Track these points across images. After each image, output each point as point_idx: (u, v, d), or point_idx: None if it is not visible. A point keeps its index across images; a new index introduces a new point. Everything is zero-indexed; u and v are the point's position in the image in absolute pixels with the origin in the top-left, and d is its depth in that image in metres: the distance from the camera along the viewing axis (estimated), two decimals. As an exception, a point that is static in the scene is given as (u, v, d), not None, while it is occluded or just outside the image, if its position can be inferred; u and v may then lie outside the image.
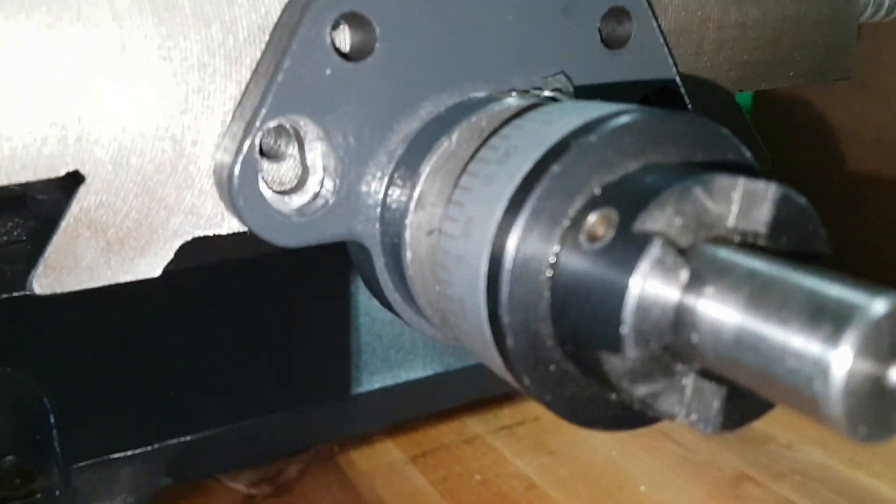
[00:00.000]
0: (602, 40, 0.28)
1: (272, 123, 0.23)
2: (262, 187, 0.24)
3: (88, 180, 0.23)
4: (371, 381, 0.73)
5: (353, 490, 0.68)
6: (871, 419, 0.15)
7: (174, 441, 0.67)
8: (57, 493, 0.63)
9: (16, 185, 0.22)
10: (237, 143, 0.23)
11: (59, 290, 0.23)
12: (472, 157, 0.22)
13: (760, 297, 0.16)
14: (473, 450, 0.74)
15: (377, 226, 0.25)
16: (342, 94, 0.24)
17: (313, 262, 0.62)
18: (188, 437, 0.67)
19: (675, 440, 0.73)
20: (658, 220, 0.18)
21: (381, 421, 0.75)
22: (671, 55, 0.29)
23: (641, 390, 0.18)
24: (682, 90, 0.29)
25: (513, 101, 0.24)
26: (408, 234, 0.23)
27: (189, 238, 0.25)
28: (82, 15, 0.22)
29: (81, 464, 0.64)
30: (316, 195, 0.24)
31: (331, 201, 0.24)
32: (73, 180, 0.23)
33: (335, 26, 0.24)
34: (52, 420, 0.65)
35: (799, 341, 0.15)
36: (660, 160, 0.20)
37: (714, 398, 0.19)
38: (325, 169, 0.25)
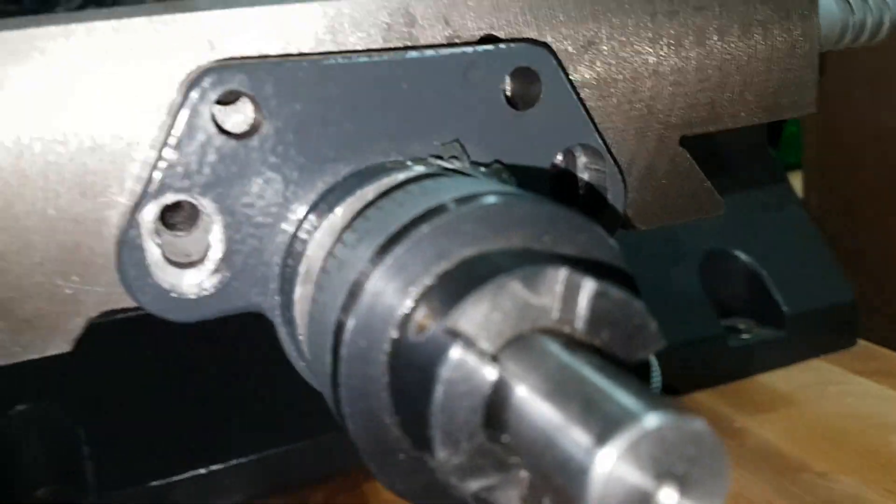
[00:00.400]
0: (508, 102, 0.27)
1: (159, 203, 0.24)
2: (155, 266, 0.24)
3: (-7, 265, 0.24)
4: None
5: (377, 520, 0.69)
6: None
7: (203, 470, 0.69)
8: (90, 520, 0.66)
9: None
10: (127, 227, 0.24)
11: (-31, 370, 0.24)
12: (338, 239, 0.22)
13: (555, 400, 0.16)
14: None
15: (277, 298, 0.25)
16: (231, 171, 0.24)
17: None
18: (217, 466, 0.69)
19: (704, 469, 0.71)
20: (472, 316, 0.17)
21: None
22: (587, 112, 0.28)
23: (473, 486, 0.18)
24: (603, 148, 0.28)
25: (397, 175, 0.24)
26: (296, 310, 0.24)
27: (97, 314, 0.26)
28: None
29: (115, 493, 0.66)
30: (215, 270, 0.25)
31: (228, 276, 0.25)
32: (-21, 265, 0.24)
33: (221, 103, 0.25)
34: (84, 451, 0.67)
35: (572, 442, 0.15)
36: (502, 246, 0.20)
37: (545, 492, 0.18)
38: (223, 243, 0.25)
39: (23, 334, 0.25)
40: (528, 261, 0.18)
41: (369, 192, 0.24)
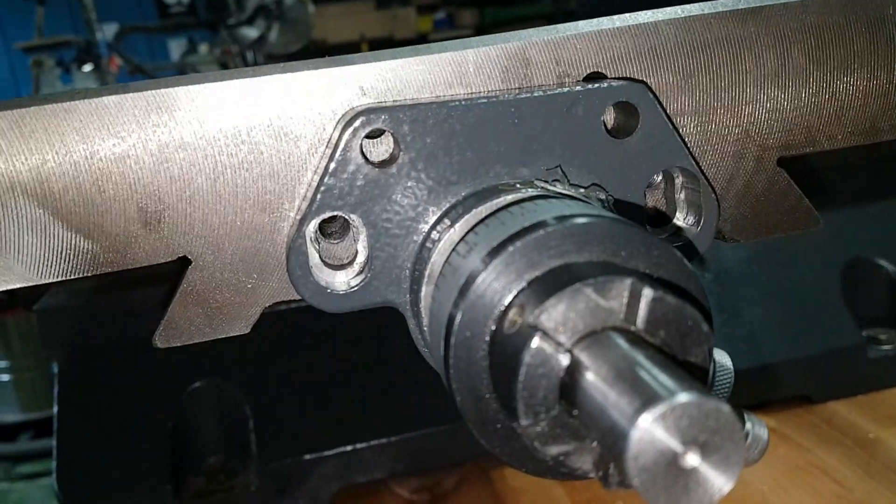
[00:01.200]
0: (608, 131, 0.31)
1: (319, 219, 0.30)
2: (314, 267, 0.31)
3: (194, 263, 0.31)
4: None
5: (500, 503, 0.74)
6: (662, 485, 0.19)
7: (349, 447, 0.76)
8: (253, 488, 0.75)
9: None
10: (293, 234, 0.30)
11: (175, 344, 0.31)
12: (453, 249, 0.28)
13: (612, 381, 0.20)
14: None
15: (408, 296, 0.31)
16: (374, 194, 0.30)
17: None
18: (362, 445, 0.76)
19: (834, 477, 0.71)
20: (551, 315, 0.22)
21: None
22: (681, 138, 0.32)
23: (553, 451, 0.23)
24: (697, 170, 0.32)
25: (505, 197, 0.29)
26: (422, 304, 0.29)
27: (269, 303, 0.32)
28: (184, 143, 0.30)
29: (274, 464, 0.75)
30: (359, 273, 0.31)
31: (369, 276, 0.31)
32: (183, 263, 0.31)
33: (368, 138, 0.30)
34: (251, 425, 0.77)
35: (620, 411, 0.19)
36: (583, 259, 0.24)
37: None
38: (367, 252, 0.31)
39: (214, 318, 0.32)
40: (602, 271, 0.23)
41: (482, 211, 0.29)
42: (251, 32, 3.15)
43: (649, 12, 0.33)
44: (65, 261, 0.29)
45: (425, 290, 0.29)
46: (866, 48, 0.35)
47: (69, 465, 0.73)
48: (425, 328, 0.29)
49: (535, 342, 0.22)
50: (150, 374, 0.77)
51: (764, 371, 0.82)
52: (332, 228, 0.32)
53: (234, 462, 0.78)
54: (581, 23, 0.33)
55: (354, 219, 0.31)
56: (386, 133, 0.31)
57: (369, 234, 0.31)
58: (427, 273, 0.29)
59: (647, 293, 0.22)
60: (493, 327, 0.24)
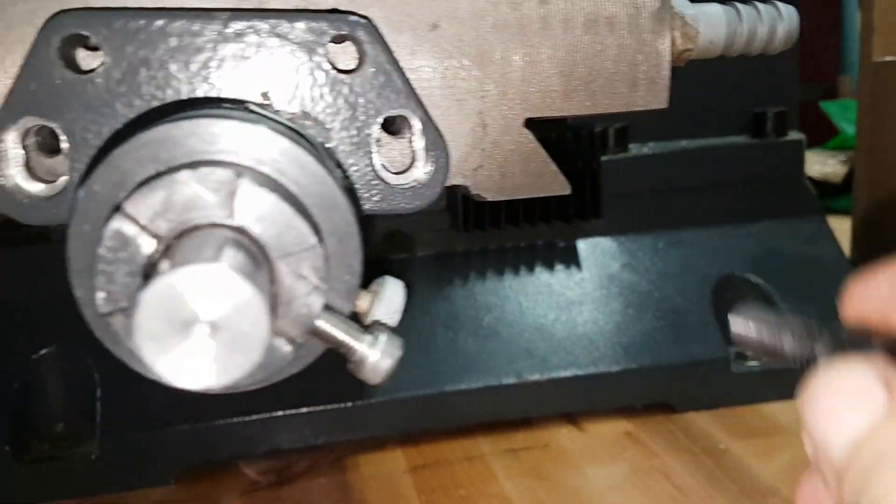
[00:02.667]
0: (332, 65, 0.31)
1: (12, 120, 0.30)
2: (13, 173, 0.30)
3: None
4: (383, 389, 0.77)
5: (346, 491, 0.73)
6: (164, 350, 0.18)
7: (201, 425, 0.75)
8: (93, 457, 0.73)
9: None
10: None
11: None
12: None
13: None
14: (471, 467, 0.76)
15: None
16: (71, 101, 0.30)
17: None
18: (213, 422, 0.75)
19: (674, 482, 0.71)
20: (147, 200, 0.22)
21: (388, 429, 0.79)
22: (409, 86, 0.32)
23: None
24: (425, 118, 0.32)
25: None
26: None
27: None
28: None
29: (118, 435, 0.73)
30: (51, 185, 0.30)
31: (64, 190, 0.30)
32: None
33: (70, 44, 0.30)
34: (98, 394, 0.75)
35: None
36: (213, 158, 0.24)
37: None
38: (66, 163, 0.30)
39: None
40: (209, 164, 0.22)
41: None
42: None
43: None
44: None
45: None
46: (616, 10, 0.35)
47: None
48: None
49: (114, 223, 0.21)
50: (-1, 336, 0.75)
51: (627, 376, 0.82)
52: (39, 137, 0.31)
53: (78, 430, 0.76)
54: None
55: (55, 128, 0.30)
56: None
57: (70, 147, 0.30)
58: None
59: (245, 185, 0.22)
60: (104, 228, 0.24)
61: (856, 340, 0.23)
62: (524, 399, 0.81)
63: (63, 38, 0.29)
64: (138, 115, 0.29)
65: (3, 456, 0.72)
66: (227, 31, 0.30)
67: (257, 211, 0.22)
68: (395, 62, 0.32)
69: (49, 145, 0.31)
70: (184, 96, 0.30)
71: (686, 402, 0.83)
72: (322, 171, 0.25)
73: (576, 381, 0.81)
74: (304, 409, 0.77)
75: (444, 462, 0.77)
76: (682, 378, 0.82)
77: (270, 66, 0.31)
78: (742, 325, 0.26)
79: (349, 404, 0.77)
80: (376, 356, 0.25)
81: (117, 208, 0.23)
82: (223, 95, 0.30)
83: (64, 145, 0.30)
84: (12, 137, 0.30)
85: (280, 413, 0.76)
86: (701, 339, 0.85)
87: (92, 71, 0.30)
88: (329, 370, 0.73)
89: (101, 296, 0.22)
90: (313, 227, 0.23)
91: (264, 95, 0.30)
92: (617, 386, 0.82)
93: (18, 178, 0.30)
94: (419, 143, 0.34)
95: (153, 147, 0.23)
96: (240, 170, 0.22)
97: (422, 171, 0.34)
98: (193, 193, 0.22)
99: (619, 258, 0.91)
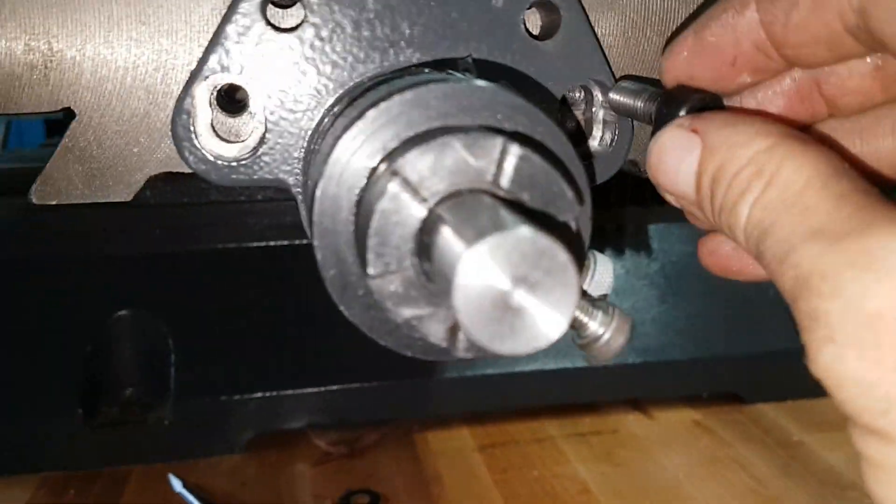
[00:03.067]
0: (527, 31, 0.30)
1: (210, 83, 0.29)
2: (203, 136, 0.29)
3: (79, 117, 0.29)
4: (455, 368, 0.77)
5: (419, 465, 0.73)
6: (490, 326, 0.17)
7: (273, 394, 0.75)
8: (166, 422, 0.73)
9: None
10: (185, 98, 0.29)
11: (50, 202, 0.30)
12: (333, 123, 0.26)
13: (462, 225, 0.19)
14: (541, 449, 0.76)
15: (300, 173, 0.29)
16: (273, 61, 0.29)
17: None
18: (285, 392, 0.75)
19: (750, 472, 0.71)
20: (414, 165, 0.21)
21: (458, 408, 0.79)
22: (603, 54, 0.31)
23: (406, 313, 0.21)
24: (610, 81, 0.31)
25: (414, 77, 0.28)
26: (314, 175, 0.28)
27: (155, 172, 0.31)
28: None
29: (191, 401, 0.73)
30: (253, 147, 0.30)
31: (262, 152, 0.29)
32: (69, 116, 0.29)
33: (276, 5, 0.29)
34: (172, 360, 0.75)
35: (458, 246, 0.18)
36: (460, 123, 0.23)
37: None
38: (261, 124, 0.29)
39: (95, 180, 0.30)
40: (476, 130, 0.21)
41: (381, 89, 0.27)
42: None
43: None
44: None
45: (317, 165, 0.27)
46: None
47: (-23, 381, 0.71)
48: (311, 202, 0.28)
49: (393, 186, 0.21)
50: (75, 297, 0.75)
51: (697, 364, 0.81)
52: (223, 96, 0.31)
53: (150, 396, 0.76)
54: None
55: (250, 87, 0.29)
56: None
57: (265, 106, 0.29)
58: (321, 146, 0.28)
59: (515, 150, 0.21)
60: (362, 185, 0.23)
61: (676, 97, 0.28)
62: (592, 383, 0.80)
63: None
64: (355, 78, 0.28)
65: (75, 418, 0.71)
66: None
67: (527, 177, 0.21)
68: (591, 29, 0.31)
69: (229, 105, 0.30)
70: (390, 59, 0.29)
71: (755, 393, 0.83)
72: (564, 137, 0.24)
73: (645, 367, 0.81)
74: (375, 383, 0.77)
75: (513, 443, 0.77)
76: (752, 369, 0.82)
77: (473, 31, 0.30)
78: (615, 92, 0.31)
79: (420, 380, 0.77)
80: (609, 334, 0.24)
81: (374, 171, 0.22)
82: (430, 58, 0.29)
83: (256, 105, 0.29)
84: (201, 95, 0.29)
85: (353, 385, 0.76)
86: (772, 330, 0.84)
87: (292, 29, 0.29)
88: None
89: (372, 257, 0.21)
90: (577, 194, 0.22)
91: (466, 61, 0.29)
92: (686, 374, 0.82)
93: (205, 136, 0.29)
94: (600, 113, 0.33)
95: (407, 110, 0.22)
96: (506, 135, 0.21)
97: (600, 142, 0.33)
98: (461, 158, 0.21)
99: (690, 245, 0.89)
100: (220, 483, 0.69)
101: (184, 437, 0.74)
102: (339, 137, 0.23)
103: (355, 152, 0.23)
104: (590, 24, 0.31)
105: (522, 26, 0.30)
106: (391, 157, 0.22)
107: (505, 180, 0.21)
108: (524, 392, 0.80)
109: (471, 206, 0.20)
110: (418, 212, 0.21)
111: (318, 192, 0.23)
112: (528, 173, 0.21)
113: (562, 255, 0.18)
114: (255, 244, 0.78)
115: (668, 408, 0.82)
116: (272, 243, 0.78)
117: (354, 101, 0.26)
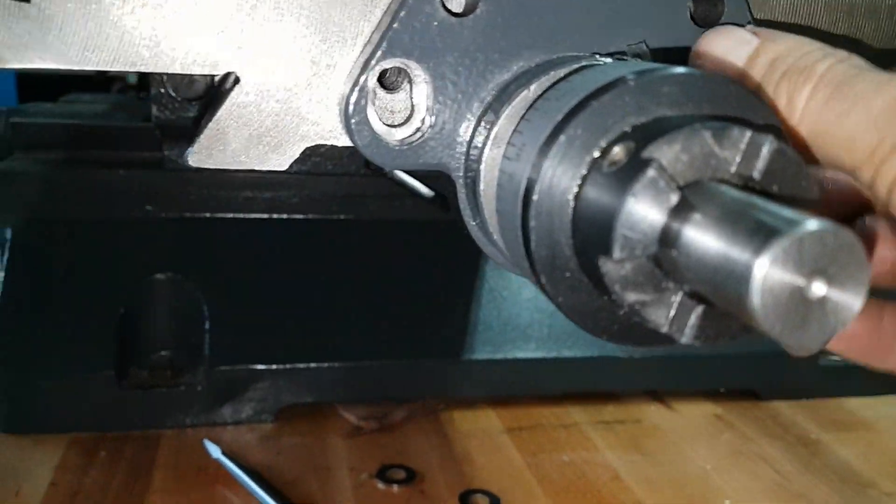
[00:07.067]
0: (692, 18, 0.31)
1: (385, 64, 0.29)
2: (372, 116, 0.29)
3: (243, 82, 0.29)
4: (483, 350, 0.78)
5: (449, 444, 0.73)
6: (790, 322, 0.18)
7: (305, 365, 0.75)
8: (199, 388, 0.73)
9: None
10: (355, 77, 0.29)
11: (207, 166, 0.30)
12: (540, 96, 0.26)
13: (725, 221, 0.20)
14: (568, 434, 0.77)
15: (462, 161, 0.30)
16: (446, 45, 0.29)
17: (451, 232, 0.68)
18: (315, 364, 0.75)
19: (774, 467, 0.73)
20: (665, 152, 0.21)
21: (484, 390, 0.79)
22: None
23: (631, 297, 0.22)
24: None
25: (587, 58, 0.28)
26: (482, 168, 0.28)
27: (313, 144, 0.31)
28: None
29: (224, 368, 0.73)
30: (417, 129, 0.30)
31: (427, 136, 0.29)
32: (232, 81, 0.29)
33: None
34: (206, 326, 0.74)
35: (737, 250, 0.19)
36: (693, 112, 0.23)
37: (692, 313, 0.22)
38: (427, 108, 0.30)
39: (253, 146, 0.30)
40: (718, 120, 0.22)
41: (557, 74, 0.28)
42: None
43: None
44: (116, 52, 0.27)
45: (490, 153, 0.28)
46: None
47: (10, 335, 0.70)
48: (481, 192, 0.28)
49: (651, 172, 0.21)
50: (108, 257, 0.74)
51: (716, 360, 0.83)
52: (391, 78, 0.31)
53: (183, 360, 0.75)
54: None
55: (419, 70, 0.29)
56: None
57: (434, 88, 0.29)
58: (493, 134, 0.28)
59: (769, 144, 0.22)
60: (585, 170, 0.23)
61: None
62: (614, 373, 0.81)
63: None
64: (520, 65, 0.28)
65: (108, 379, 0.71)
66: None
67: (779, 170, 0.22)
68: (752, 19, 0.31)
69: (396, 88, 0.30)
70: (558, 46, 0.29)
71: (771, 391, 0.85)
72: (784, 133, 0.24)
73: (665, 360, 0.82)
74: (405, 361, 0.77)
75: (540, 427, 0.78)
76: (770, 367, 0.84)
77: (638, 18, 0.30)
78: None
79: (449, 361, 0.77)
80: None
81: (603, 157, 0.23)
82: (597, 46, 0.29)
83: (423, 89, 0.30)
84: (373, 76, 0.29)
85: (385, 362, 0.76)
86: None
87: (465, 14, 0.29)
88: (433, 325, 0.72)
89: (619, 242, 0.21)
90: (818, 186, 0.22)
91: (641, 47, 0.29)
92: (705, 369, 0.83)
93: (374, 118, 0.29)
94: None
95: (636, 97, 0.23)
96: (754, 127, 0.21)
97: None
98: (708, 147, 0.21)
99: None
100: (254, 452, 0.70)
101: (216, 402, 0.74)
102: (557, 128, 0.23)
103: (577, 139, 0.23)
104: (751, 13, 0.31)
105: (688, 13, 0.31)
106: (627, 142, 0.23)
107: (756, 172, 0.22)
108: (548, 379, 0.81)
109: (727, 197, 0.20)
110: (670, 199, 0.21)
111: (541, 180, 0.23)
112: (780, 166, 0.22)
113: (852, 239, 0.18)
114: (294, 216, 0.77)
115: (687, 401, 0.84)
116: (311, 216, 0.77)
117: (549, 90, 0.26)
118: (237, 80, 0.29)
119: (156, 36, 0.27)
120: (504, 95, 0.29)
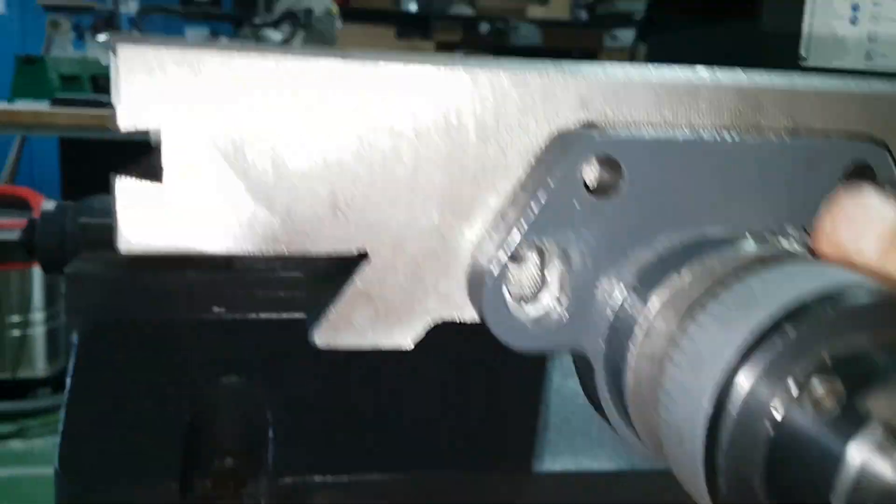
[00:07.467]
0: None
1: (521, 244, 0.27)
2: (507, 296, 0.27)
3: (372, 259, 0.28)
4: (553, 462, 0.74)
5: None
6: None
7: (368, 477, 0.72)
8: (262, 501, 0.70)
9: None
10: (493, 256, 0.27)
11: (333, 346, 0.28)
12: (707, 293, 0.24)
13: None
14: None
15: (602, 344, 0.28)
16: (585, 224, 0.27)
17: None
18: (381, 476, 0.72)
19: None
20: (881, 400, 0.19)
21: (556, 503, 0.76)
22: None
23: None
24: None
25: (748, 247, 0.26)
26: (632, 359, 0.26)
27: (440, 320, 0.29)
28: (392, 130, 0.27)
29: (288, 479, 0.71)
30: (550, 309, 0.28)
31: (563, 317, 0.28)
32: (359, 257, 0.28)
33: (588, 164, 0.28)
34: (271, 434, 0.72)
35: None
36: (892, 338, 0.21)
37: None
38: (560, 287, 0.28)
39: (380, 322, 0.28)
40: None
41: (716, 265, 0.26)
42: (275, 35, 3.10)
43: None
44: (248, 234, 0.26)
45: (637, 350, 0.26)
46: None
47: (74, 444, 0.68)
48: (628, 388, 0.26)
49: (876, 433, 0.19)
50: (174, 362, 0.72)
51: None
52: (525, 255, 0.29)
53: (245, 469, 0.73)
54: (816, 79, 0.31)
55: (555, 248, 0.28)
56: (594, 165, 0.28)
57: (572, 268, 0.27)
58: (639, 331, 0.26)
59: None
60: (784, 405, 0.21)
61: None
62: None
63: (586, 160, 0.27)
64: (659, 248, 0.27)
65: (171, 492, 0.69)
66: (745, 145, 0.28)
67: None
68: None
69: (530, 268, 0.29)
70: (707, 226, 0.28)
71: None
72: None
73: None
74: (466, 473, 0.74)
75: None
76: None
77: (784, 200, 0.28)
78: None
79: (517, 473, 0.74)
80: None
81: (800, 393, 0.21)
82: (743, 228, 0.28)
83: (559, 270, 0.28)
84: (504, 256, 0.27)
85: (441, 473, 0.73)
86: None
87: (607, 194, 0.27)
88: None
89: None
90: None
91: (787, 229, 0.28)
92: None
93: (509, 299, 0.28)
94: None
95: (831, 325, 0.21)
96: None
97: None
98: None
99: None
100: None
101: (277, 515, 0.71)
102: (733, 370, 0.21)
103: (772, 366, 0.21)
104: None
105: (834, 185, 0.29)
106: (832, 379, 0.20)
107: None
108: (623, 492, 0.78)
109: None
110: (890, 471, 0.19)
111: (731, 409, 0.21)
112: None
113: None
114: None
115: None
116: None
117: (721, 284, 0.24)
118: (365, 255, 0.28)
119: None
120: (648, 278, 0.27)
